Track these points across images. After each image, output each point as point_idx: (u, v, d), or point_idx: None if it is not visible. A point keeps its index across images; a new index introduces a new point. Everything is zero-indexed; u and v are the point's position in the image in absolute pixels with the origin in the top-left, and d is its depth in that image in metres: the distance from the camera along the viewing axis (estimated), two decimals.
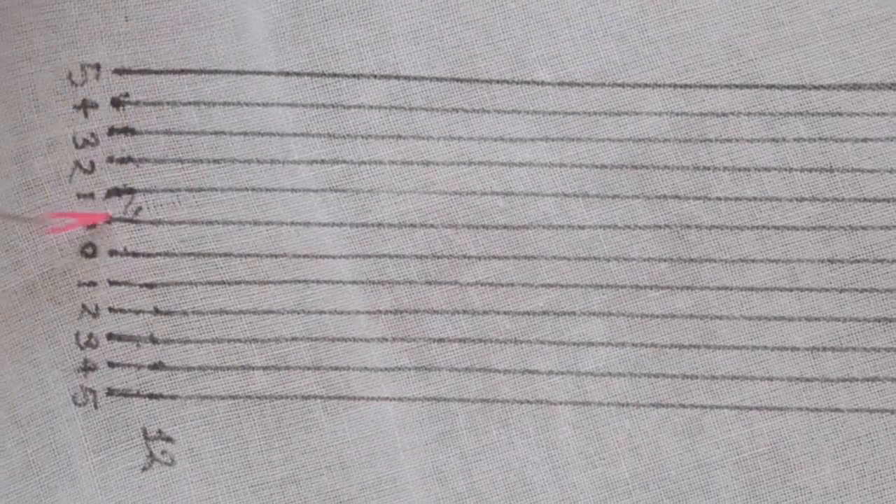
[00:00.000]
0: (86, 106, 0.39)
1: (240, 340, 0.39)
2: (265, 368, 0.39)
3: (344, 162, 0.40)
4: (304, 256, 0.40)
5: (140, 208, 0.39)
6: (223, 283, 0.39)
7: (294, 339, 0.39)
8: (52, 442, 0.38)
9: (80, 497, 0.38)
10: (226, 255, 0.39)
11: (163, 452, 0.38)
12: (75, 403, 0.38)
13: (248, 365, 0.39)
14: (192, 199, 0.39)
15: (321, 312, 0.39)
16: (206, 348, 0.39)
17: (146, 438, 0.38)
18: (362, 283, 0.40)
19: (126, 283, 0.39)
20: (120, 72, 0.39)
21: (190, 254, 0.39)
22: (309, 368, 0.39)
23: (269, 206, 0.40)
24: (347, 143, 0.40)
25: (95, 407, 0.38)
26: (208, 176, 0.39)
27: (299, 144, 0.40)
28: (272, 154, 0.40)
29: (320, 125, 0.40)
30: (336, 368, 0.39)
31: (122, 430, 0.38)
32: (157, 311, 0.39)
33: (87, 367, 0.38)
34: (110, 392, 0.38)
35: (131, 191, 0.39)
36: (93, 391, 0.38)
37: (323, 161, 0.40)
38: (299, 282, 0.39)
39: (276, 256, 0.39)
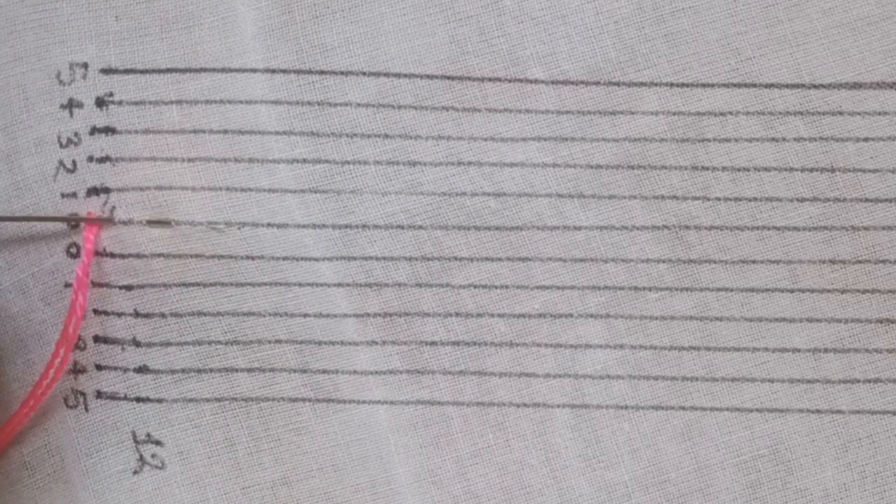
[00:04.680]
0: (71, 105, 0.43)
1: (220, 343, 0.42)
2: (249, 371, 0.42)
3: (326, 161, 0.43)
4: (284, 259, 0.43)
5: (114, 207, 0.42)
6: (198, 284, 0.42)
7: (277, 341, 0.42)
8: (47, 444, 0.41)
9: (74, 500, 0.41)
10: (197, 256, 0.42)
11: (153, 456, 0.41)
12: (67, 406, 0.41)
13: (232, 367, 0.42)
14: (163, 197, 0.42)
15: (305, 315, 0.43)
16: (187, 350, 0.42)
17: (136, 442, 0.41)
18: (348, 285, 0.43)
19: (107, 285, 0.42)
20: (106, 71, 0.43)
21: (161, 254, 0.42)
22: (295, 371, 0.42)
23: (244, 207, 0.43)
24: (331, 142, 0.44)
25: (86, 410, 0.41)
26: (180, 174, 0.43)
27: (280, 143, 0.43)
28: (251, 153, 0.43)
29: (304, 123, 0.43)
30: (324, 371, 0.42)
31: (112, 433, 0.41)
32: (137, 314, 0.42)
33: (77, 370, 0.42)
34: (99, 395, 0.42)
35: (107, 190, 0.42)
36: (83, 394, 0.42)
37: (304, 160, 0.43)
38: (279, 284, 0.43)
39: (252, 258, 0.43)
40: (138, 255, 0.42)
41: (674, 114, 0.44)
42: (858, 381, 0.43)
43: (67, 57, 0.43)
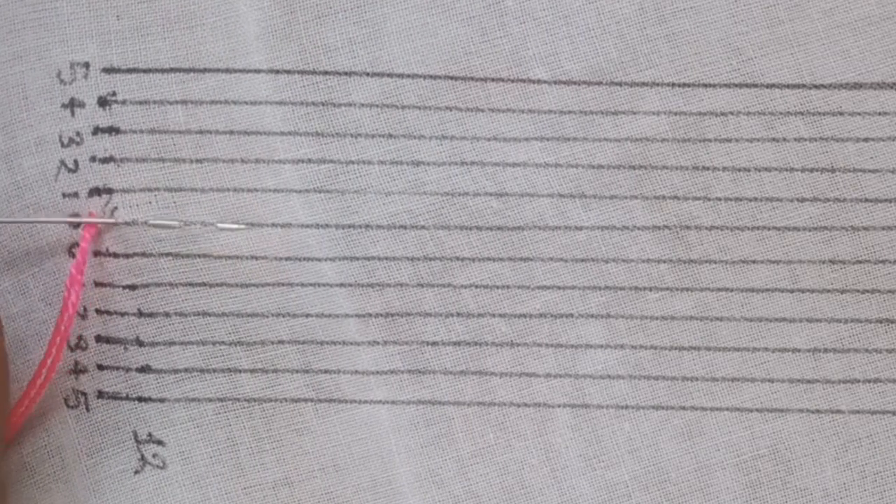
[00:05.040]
0: (73, 105, 0.43)
1: (224, 343, 0.42)
2: (252, 371, 0.42)
3: (331, 161, 0.44)
4: (287, 259, 0.43)
5: (116, 208, 0.43)
6: (204, 284, 0.43)
7: (280, 342, 0.43)
8: (47, 444, 0.42)
9: (75, 500, 0.41)
10: (204, 255, 0.43)
11: (154, 455, 0.42)
12: (67, 406, 0.42)
13: (235, 368, 0.42)
14: (171, 198, 0.43)
15: (307, 315, 0.43)
16: (191, 350, 0.42)
17: (137, 441, 0.42)
18: (350, 285, 0.43)
19: (110, 285, 0.42)
20: (108, 70, 0.43)
21: (167, 254, 0.43)
22: (298, 371, 0.43)
23: (250, 207, 0.43)
24: (335, 142, 0.44)
25: (87, 410, 0.42)
26: (189, 176, 0.43)
27: (285, 143, 0.44)
28: (257, 153, 0.44)
29: (308, 124, 0.44)
30: (326, 372, 0.43)
31: (113, 433, 0.42)
32: (140, 314, 0.42)
33: (78, 370, 0.42)
34: (100, 395, 0.42)
35: (109, 190, 0.43)
36: (84, 394, 0.42)
37: (309, 160, 0.44)
38: (282, 284, 0.43)
39: (256, 258, 0.43)
40: (144, 255, 0.42)
41: (675, 114, 0.44)
42: (858, 381, 0.44)
43: (68, 56, 0.43)
